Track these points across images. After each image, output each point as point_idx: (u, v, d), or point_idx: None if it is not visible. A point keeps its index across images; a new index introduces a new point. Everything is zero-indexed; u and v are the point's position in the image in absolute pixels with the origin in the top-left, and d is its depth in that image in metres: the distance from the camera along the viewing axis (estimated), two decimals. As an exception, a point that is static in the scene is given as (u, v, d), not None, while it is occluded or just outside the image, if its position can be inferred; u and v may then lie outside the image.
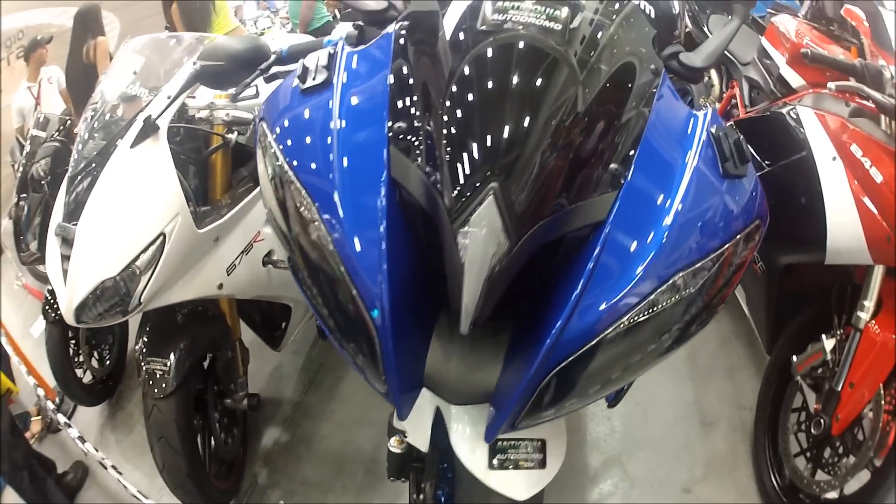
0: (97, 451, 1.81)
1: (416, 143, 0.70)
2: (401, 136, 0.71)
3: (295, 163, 0.74)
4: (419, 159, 0.68)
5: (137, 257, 1.31)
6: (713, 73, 2.37)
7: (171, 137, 1.43)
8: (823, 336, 1.36)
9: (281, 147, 0.76)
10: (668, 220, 0.66)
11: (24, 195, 2.14)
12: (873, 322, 1.25)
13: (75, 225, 1.34)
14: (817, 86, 1.57)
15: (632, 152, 0.69)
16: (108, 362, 2.32)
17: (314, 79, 0.78)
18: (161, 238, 1.31)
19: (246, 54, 1.16)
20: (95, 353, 2.29)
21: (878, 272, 1.26)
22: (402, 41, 0.80)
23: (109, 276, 1.29)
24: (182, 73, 1.46)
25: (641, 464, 1.72)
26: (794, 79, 1.66)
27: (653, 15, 0.89)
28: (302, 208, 0.71)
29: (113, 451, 2.19)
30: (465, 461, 0.83)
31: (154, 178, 1.34)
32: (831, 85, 1.34)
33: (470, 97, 0.67)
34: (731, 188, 0.72)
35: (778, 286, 1.57)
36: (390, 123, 0.72)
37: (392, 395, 0.70)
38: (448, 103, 0.67)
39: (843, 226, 1.26)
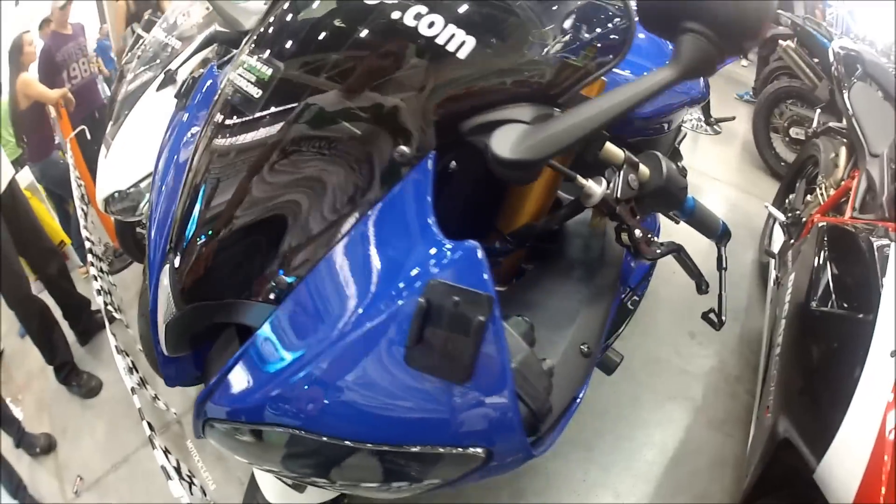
0: (106, 304, 2.04)
1: None
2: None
3: (158, 163, 0.85)
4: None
5: (142, 180, 1.62)
6: (842, 151, 1.85)
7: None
8: (774, 545, 1.11)
9: (161, 145, 0.88)
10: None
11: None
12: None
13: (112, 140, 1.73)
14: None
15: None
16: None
17: (182, 99, 0.88)
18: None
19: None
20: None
21: None
22: None
23: (121, 189, 1.64)
24: (202, 35, 1.70)
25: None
26: (911, 202, 1.25)
27: (461, 54, 0.54)
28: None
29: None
30: None
31: (166, 119, 1.54)
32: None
33: (187, 168, 0.69)
34: (422, 385, 0.50)
35: (773, 452, 1.30)
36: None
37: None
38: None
39: (848, 454, 0.96)
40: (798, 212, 2.03)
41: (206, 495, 1.34)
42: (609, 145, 0.65)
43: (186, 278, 0.61)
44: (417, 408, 0.51)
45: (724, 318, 0.91)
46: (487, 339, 0.48)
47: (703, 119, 2.39)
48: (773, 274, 2.10)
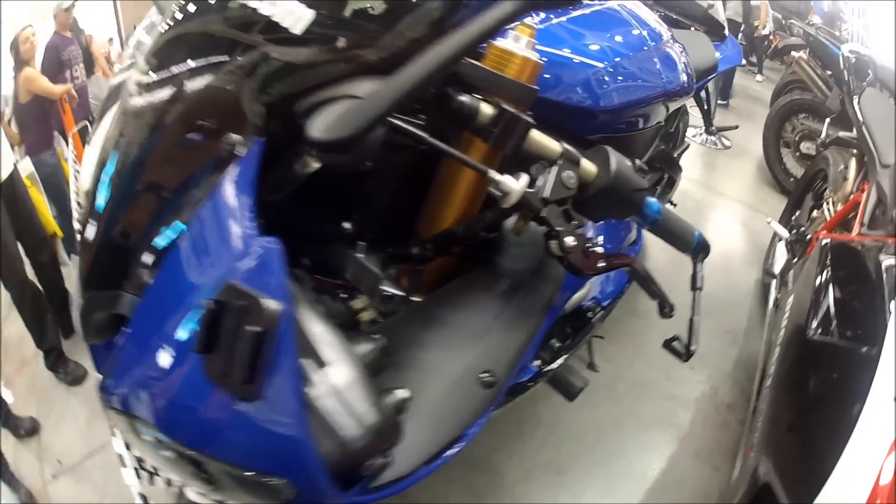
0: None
1: None
2: None
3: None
4: None
5: None
6: (852, 163, 1.70)
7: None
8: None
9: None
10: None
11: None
12: None
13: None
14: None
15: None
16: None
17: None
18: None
19: None
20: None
21: None
22: None
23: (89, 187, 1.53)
24: None
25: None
26: (924, 217, 1.11)
27: (296, 28, 0.51)
28: None
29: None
30: None
31: None
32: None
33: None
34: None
35: (754, 499, 1.15)
36: None
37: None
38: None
39: (845, 496, 0.83)
40: (803, 228, 1.88)
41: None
42: (537, 135, 0.54)
43: (83, 270, 0.63)
44: (215, 419, 0.47)
45: (693, 347, 0.77)
46: (274, 355, 0.42)
47: (705, 128, 2.25)
48: (772, 296, 1.95)
